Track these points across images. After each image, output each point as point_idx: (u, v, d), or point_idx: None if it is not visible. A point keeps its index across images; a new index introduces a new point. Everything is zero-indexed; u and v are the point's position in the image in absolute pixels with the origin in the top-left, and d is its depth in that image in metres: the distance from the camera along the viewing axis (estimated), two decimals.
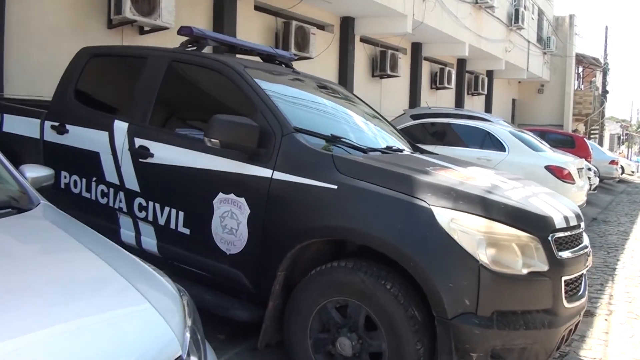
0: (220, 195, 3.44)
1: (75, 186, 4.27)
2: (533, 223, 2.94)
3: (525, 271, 2.83)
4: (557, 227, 3.04)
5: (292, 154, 3.27)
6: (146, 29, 8.21)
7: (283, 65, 4.78)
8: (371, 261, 3.00)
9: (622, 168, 25.30)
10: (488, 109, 20.95)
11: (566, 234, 3.11)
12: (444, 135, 9.71)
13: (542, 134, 14.90)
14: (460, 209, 2.84)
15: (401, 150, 4.09)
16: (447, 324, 2.74)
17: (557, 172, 8.55)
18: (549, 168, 8.61)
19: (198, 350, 1.86)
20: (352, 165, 3.17)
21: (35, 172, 2.68)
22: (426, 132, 9.90)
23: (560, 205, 3.33)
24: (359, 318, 2.96)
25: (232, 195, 3.39)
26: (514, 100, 26.22)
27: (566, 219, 3.16)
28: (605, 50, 34.91)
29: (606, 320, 4.96)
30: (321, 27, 12.24)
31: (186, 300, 2.00)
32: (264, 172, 3.29)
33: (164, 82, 4.01)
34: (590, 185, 12.69)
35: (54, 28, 7.15)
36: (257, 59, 4.71)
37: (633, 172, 35.56)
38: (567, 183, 8.58)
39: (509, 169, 8.03)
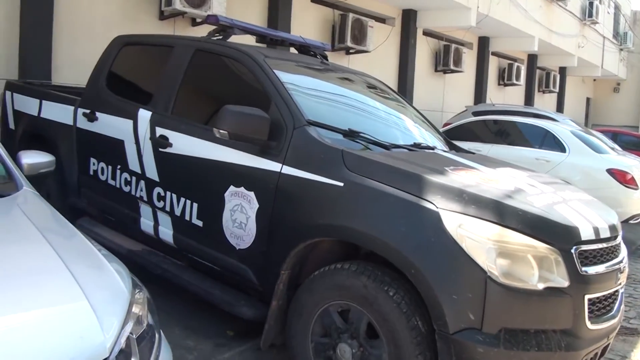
0: (232, 188, 3.35)
1: (102, 173, 4.31)
2: (554, 233, 2.66)
3: (541, 286, 2.57)
4: (583, 239, 2.74)
5: (302, 148, 3.13)
6: (198, 20, 8.24)
7: (319, 57, 4.62)
8: (379, 265, 2.81)
9: None
10: (560, 107, 20.09)
11: (594, 246, 2.80)
12: (504, 133, 9.30)
13: (614, 136, 14.16)
14: (470, 214, 2.60)
15: (432, 148, 3.86)
16: (449, 338, 2.52)
17: (619, 176, 7.99)
18: (610, 171, 8.06)
19: (149, 353, 1.75)
20: (362, 161, 2.98)
21: (32, 158, 2.66)
22: (487, 130, 9.51)
23: (593, 214, 3.02)
24: (360, 324, 2.79)
25: (242, 189, 3.29)
26: (588, 99, 25.03)
27: (596, 230, 2.85)
28: None
29: None
30: (381, 19, 11.99)
31: (143, 297, 1.89)
32: (274, 166, 3.17)
33: (187, 72, 3.96)
34: None
35: (103, 19, 7.28)
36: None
37: None
38: (629, 188, 8.00)
39: (568, 170, 7.65)
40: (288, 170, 3.11)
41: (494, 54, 16.28)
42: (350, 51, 10.97)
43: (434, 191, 2.71)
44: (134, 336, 1.71)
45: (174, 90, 3.95)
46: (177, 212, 3.71)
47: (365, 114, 4.02)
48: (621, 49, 23.38)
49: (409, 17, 12.40)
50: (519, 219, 2.63)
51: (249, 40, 4.63)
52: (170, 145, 3.75)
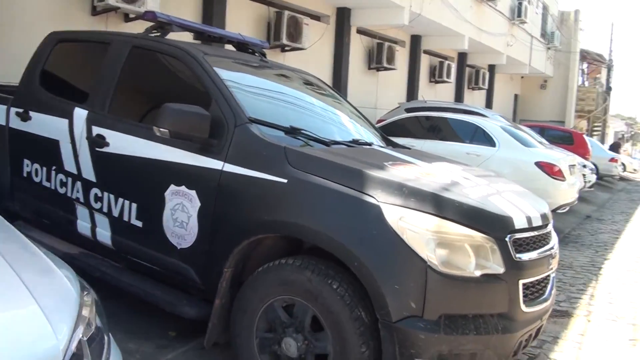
0: (172, 187, 3.32)
1: (37, 175, 4.17)
2: (489, 223, 2.79)
3: (478, 273, 2.69)
4: (517, 227, 2.88)
5: (244, 146, 3.14)
6: (131, 16, 8.07)
7: (257, 54, 4.62)
8: (322, 260, 2.86)
9: (624, 166, 25.03)
10: (489, 104, 20.74)
11: (527, 234, 2.95)
12: (436, 129, 9.55)
13: (541, 130, 14.77)
14: (410, 207, 2.69)
15: (370, 144, 3.94)
16: (391, 327, 2.60)
17: (547, 169, 8.37)
18: (539, 164, 8.43)
19: (99, 355, 1.73)
20: (305, 158, 3.02)
21: None
22: (419, 126, 9.73)
23: (525, 204, 3.18)
24: (305, 318, 2.82)
25: (183, 188, 3.27)
26: (516, 96, 25.96)
27: (529, 219, 3.01)
28: (611, 47, 34.68)
29: (585, 321, 4.81)
30: (316, 17, 12.06)
31: (91, 300, 1.87)
32: (215, 164, 3.16)
33: (124, 69, 3.89)
34: (585, 182, 12.52)
35: (33, 13, 7.02)
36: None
37: (635, 170, 35.27)
38: (557, 180, 8.40)
39: (498, 164, 7.92)
40: (230, 168, 3.11)
41: (425, 52, 16.65)
42: (286, 48, 11.00)
43: (375, 186, 2.78)
44: (85, 339, 1.69)
45: (111, 88, 3.87)
46: (116, 213, 3.65)
47: (305, 111, 4.06)
48: (548, 48, 24.37)
49: (343, 15, 12.53)
50: (456, 211, 2.74)
51: (185, 37, 4.58)
52: (108, 144, 3.68)
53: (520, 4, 19.36)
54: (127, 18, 8.17)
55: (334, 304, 2.70)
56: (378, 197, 2.72)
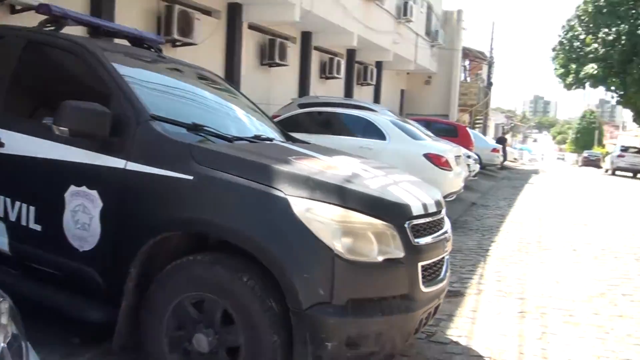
0: (72, 188, 3.22)
1: None
2: (389, 211, 2.97)
3: (380, 259, 2.85)
4: (414, 214, 3.08)
5: (148, 143, 3.11)
6: (17, 7, 7.63)
7: (152, 50, 4.54)
8: (231, 254, 2.91)
9: (505, 156, 26.77)
10: (377, 99, 21.38)
11: (424, 220, 3.16)
12: (330, 124, 9.80)
13: (427, 124, 15.46)
14: (316, 199, 2.80)
15: (270, 140, 4.02)
16: (302, 314, 2.71)
17: (435, 160, 8.86)
18: (427, 156, 8.90)
19: None
20: (210, 155, 3.05)
21: None
22: (312, 121, 9.93)
23: (420, 192, 3.39)
24: (215, 313, 2.85)
25: (84, 188, 3.18)
26: (402, 91, 26.99)
27: (425, 206, 3.22)
28: (491, 45, 36.73)
29: (476, 299, 5.16)
30: (207, 12, 11.92)
31: (7, 307, 1.81)
32: (117, 163, 3.11)
33: (19, 65, 3.70)
34: (470, 172, 13.31)
35: None
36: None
37: (515, 159, 37.79)
38: (444, 170, 8.91)
39: (389, 156, 8.23)
40: (133, 166, 3.07)
41: (316, 48, 16.92)
42: (177, 44, 10.80)
43: (281, 180, 2.87)
44: (4, 345, 1.64)
45: (4, 85, 3.67)
46: (12, 217, 3.48)
47: (206, 108, 4.07)
48: (433, 46, 25.51)
49: (234, 11, 12.47)
50: (359, 201, 2.89)
51: (78, 31, 4.42)
52: (2, 145, 3.50)
53: (406, 3, 20.13)
54: (13, 10, 7.70)
55: (244, 296, 2.76)
56: (285, 191, 2.81)
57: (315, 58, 17.10)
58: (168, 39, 10.42)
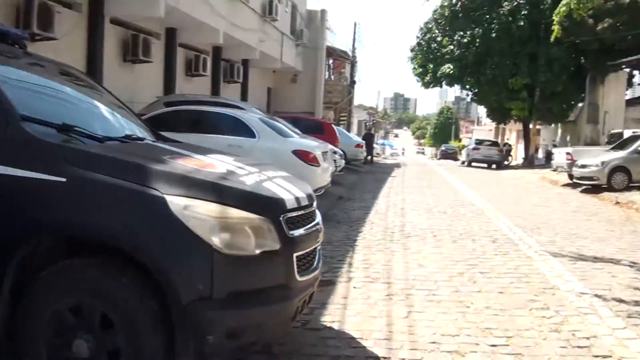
0: None
1: None
2: (265, 206, 3.11)
3: (258, 251, 2.98)
4: (288, 207, 3.25)
5: (17, 145, 2.98)
6: None
7: (16, 46, 4.30)
8: (109, 256, 2.89)
9: (372, 151, 27.96)
10: (244, 97, 21.45)
11: (297, 213, 3.34)
12: (198, 123, 9.74)
13: (295, 121, 15.79)
14: (193, 196, 2.88)
15: (142, 139, 4.00)
16: (183, 310, 2.78)
17: (304, 156, 9.15)
18: (296, 153, 9.18)
19: None
20: (82, 156, 3.01)
21: None
22: (180, 120, 9.80)
23: (293, 187, 3.57)
24: (94, 317, 2.84)
25: None
26: (269, 89, 27.27)
27: (297, 199, 3.40)
28: (354, 45, 38.05)
29: (347, 286, 5.45)
30: (68, 5, 11.30)
31: None
32: None
33: None
34: (337, 167, 13.83)
35: None
36: None
37: (378, 154, 39.52)
38: (312, 166, 9.23)
39: (259, 154, 8.36)
40: (3, 169, 2.94)
41: (181, 45, 16.66)
42: (37, 38, 10.18)
43: (157, 179, 2.91)
44: None
45: None
46: None
47: (77, 107, 3.94)
48: (298, 45, 26.02)
49: (96, 4, 11.95)
50: (235, 197, 3.01)
51: None
52: None
53: (271, 2, 20.38)
54: None
55: (122, 298, 2.79)
56: (162, 190, 2.85)
57: (181, 55, 16.84)
58: (27, 32, 9.79)
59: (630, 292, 5.61)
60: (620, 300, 5.28)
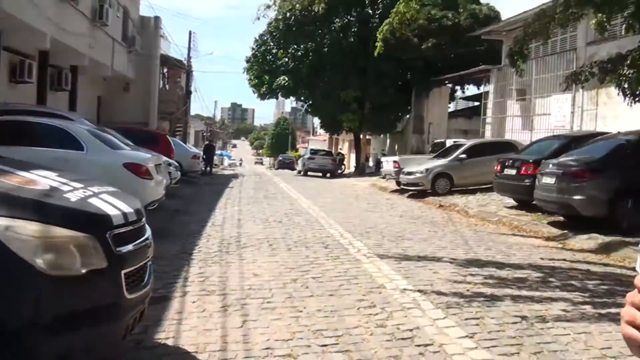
0: None
1: None
2: (90, 223, 3.08)
3: (84, 271, 2.94)
4: (115, 224, 3.23)
5: None
6: None
7: None
8: None
9: (211, 163, 27.76)
10: (72, 106, 20.21)
11: (125, 229, 3.33)
12: (19, 134, 9.08)
13: (127, 133, 15.24)
14: (15, 216, 2.78)
15: None
16: (8, 337, 2.66)
17: (135, 169, 8.93)
18: (127, 166, 8.92)
19: None
20: None
21: None
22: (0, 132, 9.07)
23: (120, 203, 3.54)
24: None
25: None
26: (99, 98, 25.94)
27: (125, 215, 3.39)
28: (189, 54, 37.49)
29: (182, 301, 5.43)
30: None
31: None
32: None
33: None
34: (172, 179, 13.60)
35: None
36: None
37: (216, 165, 39.37)
38: (145, 179, 9.03)
39: (88, 168, 8.02)
40: None
41: (6, 49, 15.39)
42: None
43: None
44: None
45: None
46: None
47: None
48: (130, 51, 25.03)
49: None
50: (59, 215, 2.95)
51: None
52: None
53: (101, 6, 19.46)
54: None
55: None
56: None
57: (5, 59, 15.52)
58: None
59: (450, 286, 6.24)
60: (441, 293, 5.87)
